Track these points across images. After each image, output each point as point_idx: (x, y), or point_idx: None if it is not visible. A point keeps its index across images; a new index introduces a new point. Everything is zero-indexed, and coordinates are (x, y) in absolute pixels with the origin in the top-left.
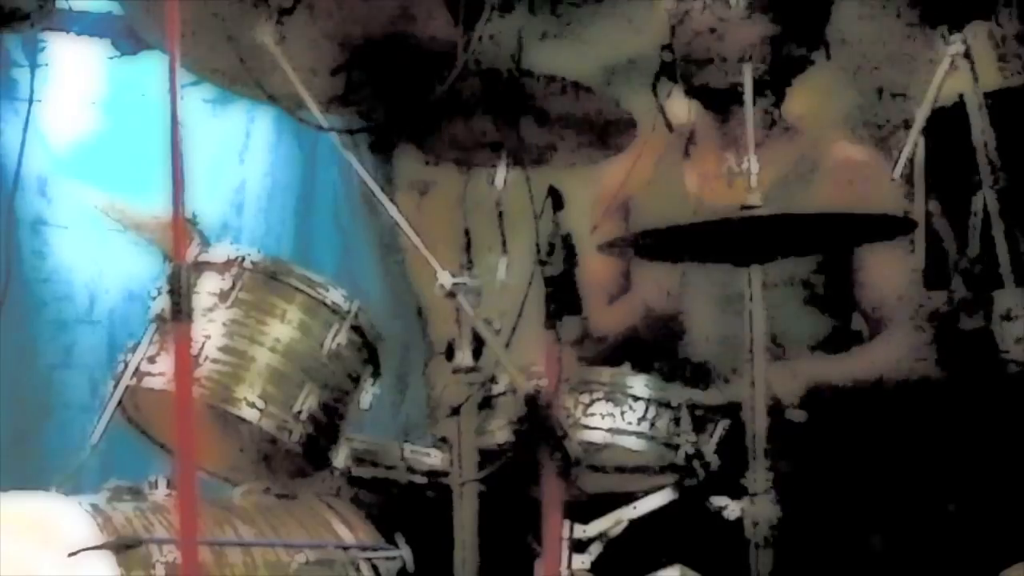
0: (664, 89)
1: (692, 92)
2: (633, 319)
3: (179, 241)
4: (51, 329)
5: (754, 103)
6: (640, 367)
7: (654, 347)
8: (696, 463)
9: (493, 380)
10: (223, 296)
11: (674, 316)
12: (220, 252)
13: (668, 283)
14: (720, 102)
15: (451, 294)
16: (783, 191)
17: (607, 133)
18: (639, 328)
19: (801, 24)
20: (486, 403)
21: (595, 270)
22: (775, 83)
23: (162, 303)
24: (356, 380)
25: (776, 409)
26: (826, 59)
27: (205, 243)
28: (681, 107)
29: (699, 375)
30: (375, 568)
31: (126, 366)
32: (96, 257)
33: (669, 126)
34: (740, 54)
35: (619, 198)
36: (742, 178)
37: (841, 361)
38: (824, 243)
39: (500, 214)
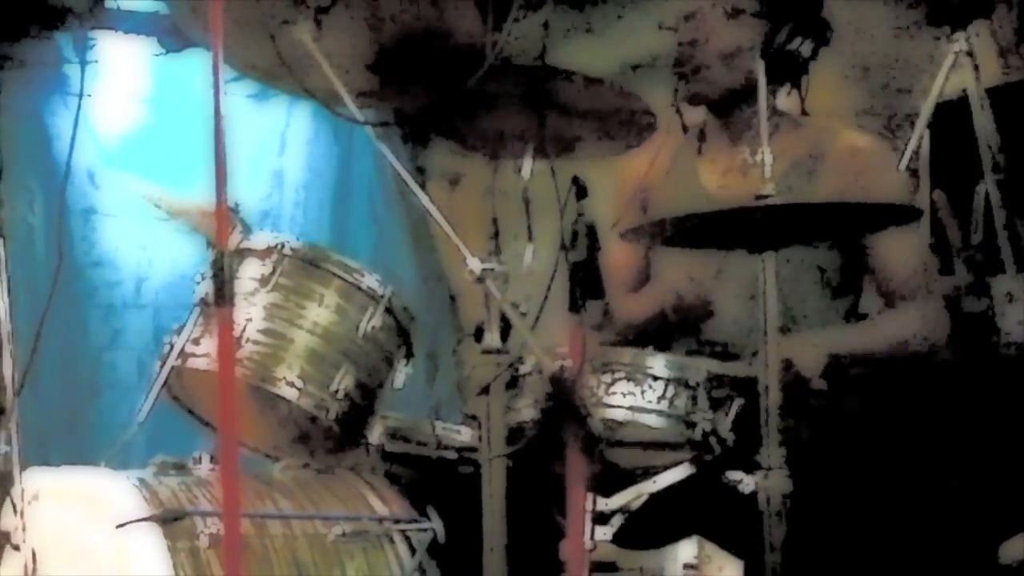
0: (681, 94)
1: (694, 99)
2: (657, 307)
3: (222, 229)
4: (100, 313)
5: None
6: (663, 351)
7: (678, 332)
8: (712, 439)
9: (520, 361)
10: (264, 281)
11: (697, 304)
12: (261, 239)
13: (692, 272)
14: (723, 105)
15: (480, 279)
16: (792, 181)
17: (628, 127)
18: (665, 315)
19: (797, 19)
20: (513, 383)
21: (617, 260)
22: (780, 79)
23: (206, 288)
24: (390, 361)
25: (790, 386)
26: (824, 47)
27: (247, 231)
28: (695, 109)
29: (719, 356)
30: (408, 539)
31: (172, 348)
32: (143, 244)
33: (684, 128)
34: (738, 57)
35: (639, 192)
36: (756, 169)
37: (854, 334)
38: (834, 231)
39: (526, 203)
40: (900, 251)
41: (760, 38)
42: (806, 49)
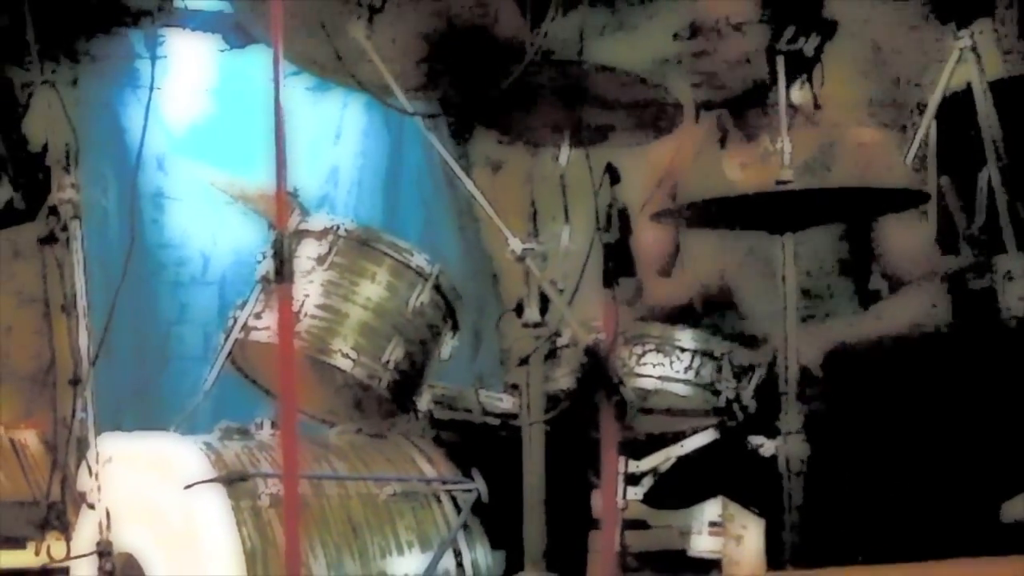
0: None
1: (708, 105)
2: (686, 296)
3: (282, 212)
4: (169, 289)
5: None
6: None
7: (704, 318)
8: (736, 407)
9: (557, 334)
10: (320, 260)
11: (722, 294)
12: (318, 221)
13: (717, 261)
14: (737, 106)
15: (521, 258)
16: (808, 172)
17: (658, 117)
18: (692, 303)
19: (799, 21)
20: (551, 354)
21: (649, 244)
22: (790, 76)
23: (267, 266)
24: (437, 334)
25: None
26: (828, 42)
27: (305, 213)
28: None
29: (743, 338)
30: (454, 499)
31: (235, 321)
32: (209, 226)
33: (696, 118)
34: (746, 63)
35: (667, 179)
36: (776, 157)
37: (859, 323)
38: (848, 214)
39: (563, 188)
40: (904, 237)
41: (765, 43)
42: (809, 48)
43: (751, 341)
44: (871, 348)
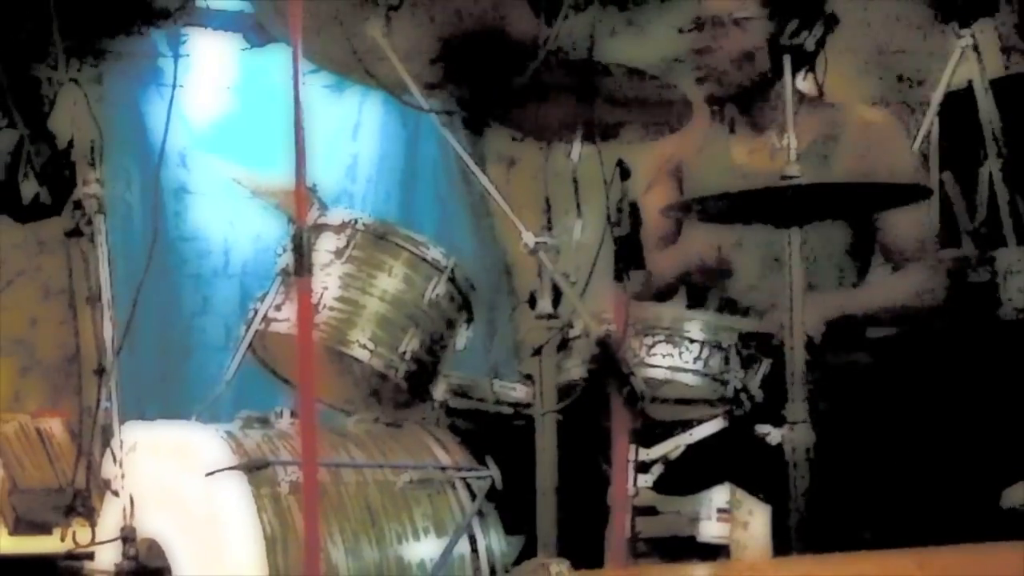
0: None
1: (713, 100)
2: (684, 266)
3: (301, 206)
4: (191, 282)
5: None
6: (693, 303)
7: (703, 291)
8: (743, 396)
9: (570, 325)
10: (339, 253)
11: (720, 264)
12: (336, 216)
13: (716, 235)
14: (743, 99)
15: (534, 251)
16: (813, 157)
17: (667, 114)
18: (691, 273)
19: (801, 17)
20: (564, 345)
21: (652, 219)
22: (792, 68)
23: (287, 259)
24: (452, 325)
25: (811, 347)
26: (830, 34)
27: (323, 208)
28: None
29: (744, 310)
30: (468, 486)
31: (256, 313)
32: (230, 220)
33: (712, 115)
34: (749, 58)
35: (672, 165)
36: (782, 153)
37: (858, 295)
38: (853, 208)
39: (576, 183)
40: (907, 217)
41: (767, 38)
42: (810, 43)
43: (754, 314)
44: (871, 318)
